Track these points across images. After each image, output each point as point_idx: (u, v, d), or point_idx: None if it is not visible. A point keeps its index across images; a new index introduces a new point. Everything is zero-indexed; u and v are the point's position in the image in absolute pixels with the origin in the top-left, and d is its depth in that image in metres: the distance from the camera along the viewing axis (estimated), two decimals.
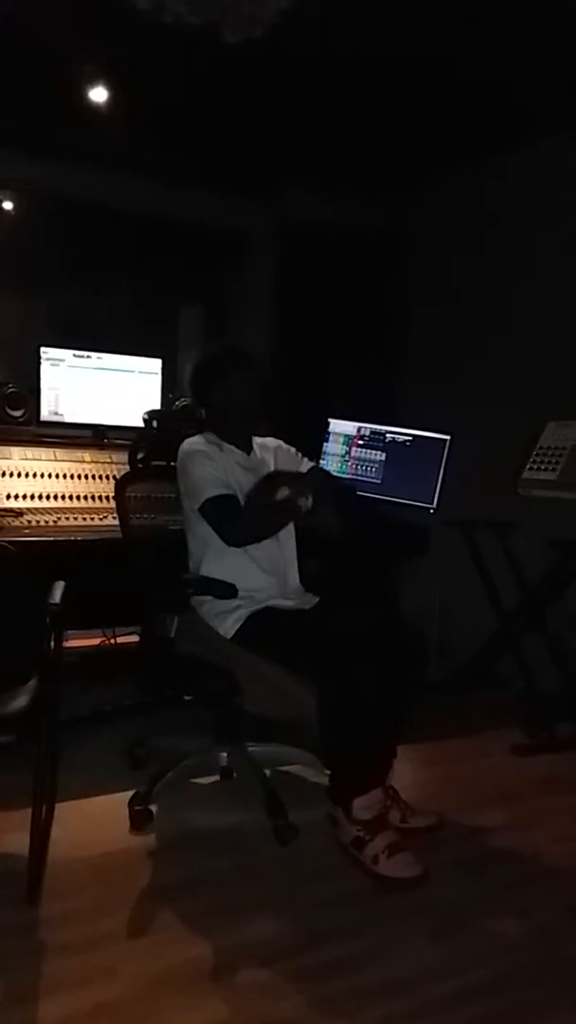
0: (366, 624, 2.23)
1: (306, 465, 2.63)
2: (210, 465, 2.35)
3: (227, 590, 2.23)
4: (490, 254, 3.92)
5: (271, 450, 2.58)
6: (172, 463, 2.45)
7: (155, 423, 2.86)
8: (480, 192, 3.94)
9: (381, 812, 2.19)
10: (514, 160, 3.70)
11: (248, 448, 2.50)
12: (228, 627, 2.31)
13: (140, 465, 2.59)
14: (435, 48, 2.76)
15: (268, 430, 2.63)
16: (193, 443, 2.43)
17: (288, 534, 2.50)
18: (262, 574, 2.38)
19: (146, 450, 2.60)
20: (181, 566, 2.46)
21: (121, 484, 2.47)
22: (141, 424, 2.91)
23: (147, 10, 2.44)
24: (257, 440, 2.57)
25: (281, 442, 2.63)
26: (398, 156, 3.78)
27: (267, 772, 2.42)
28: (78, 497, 2.99)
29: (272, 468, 2.51)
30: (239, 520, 2.29)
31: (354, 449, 3.44)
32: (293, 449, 2.64)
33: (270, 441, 2.61)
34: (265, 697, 2.20)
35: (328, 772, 2.29)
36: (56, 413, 3.38)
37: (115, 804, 2.37)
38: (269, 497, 2.26)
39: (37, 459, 3.04)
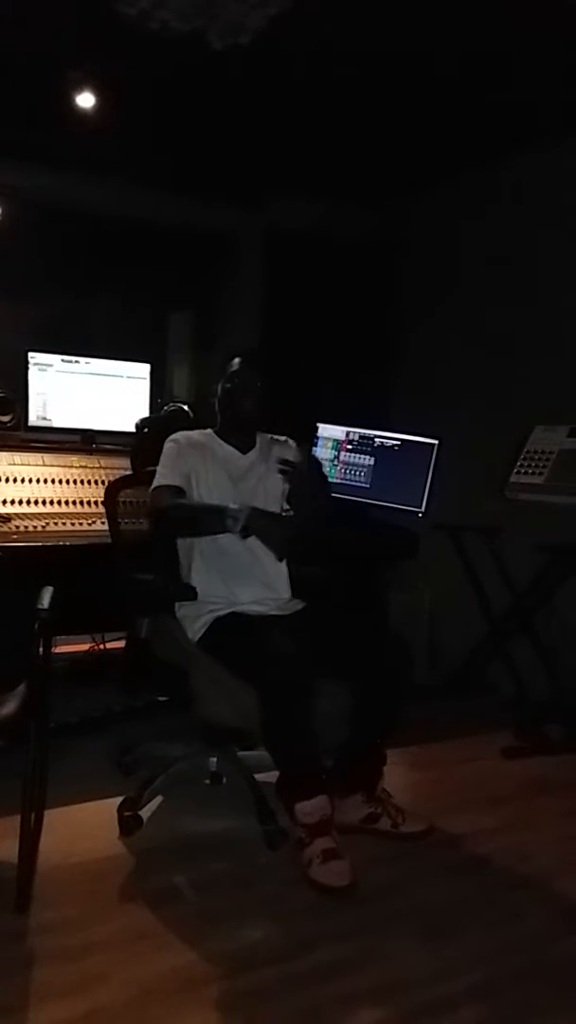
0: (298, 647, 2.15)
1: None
2: (173, 453, 2.39)
3: (185, 592, 2.25)
4: (480, 261, 3.94)
5: (277, 450, 2.51)
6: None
7: (146, 429, 2.86)
8: (470, 199, 3.96)
9: (324, 818, 2.11)
10: (508, 167, 3.72)
11: (247, 447, 2.49)
12: (196, 631, 2.31)
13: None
14: (429, 52, 2.77)
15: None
16: (177, 432, 2.47)
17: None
18: (223, 580, 2.35)
19: (140, 456, 2.60)
20: (167, 570, 2.43)
21: (112, 489, 2.47)
22: (130, 429, 2.91)
23: (133, 17, 2.45)
24: (277, 438, 2.56)
25: (295, 447, 2.57)
26: (388, 163, 3.79)
27: (256, 777, 2.41)
28: (67, 502, 2.99)
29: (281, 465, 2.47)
30: (166, 511, 2.30)
31: (343, 454, 3.44)
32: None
33: (290, 445, 2.56)
34: (214, 702, 2.17)
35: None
36: (44, 418, 3.37)
37: (104, 810, 2.36)
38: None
39: (25, 464, 3.03)
